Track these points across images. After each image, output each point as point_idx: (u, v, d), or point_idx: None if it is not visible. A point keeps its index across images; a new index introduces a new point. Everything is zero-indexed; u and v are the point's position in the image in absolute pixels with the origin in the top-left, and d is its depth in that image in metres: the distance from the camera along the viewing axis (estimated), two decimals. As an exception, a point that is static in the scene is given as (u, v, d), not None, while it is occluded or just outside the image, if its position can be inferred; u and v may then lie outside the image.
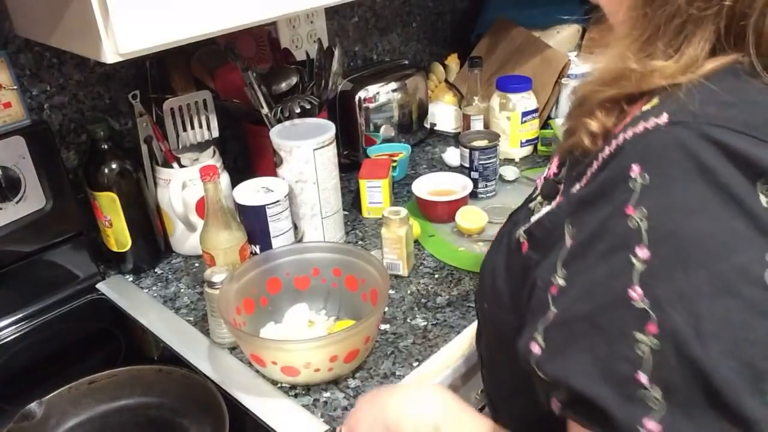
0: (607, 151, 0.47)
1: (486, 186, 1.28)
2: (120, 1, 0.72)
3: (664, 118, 0.43)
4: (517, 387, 0.63)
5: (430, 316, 0.97)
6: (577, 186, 0.51)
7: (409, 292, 1.03)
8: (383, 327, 0.95)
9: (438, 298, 1.00)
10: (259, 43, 1.26)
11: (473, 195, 1.25)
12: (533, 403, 0.52)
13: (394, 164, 1.34)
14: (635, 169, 0.43)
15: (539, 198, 0.61)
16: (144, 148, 1.07)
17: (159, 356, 0.96)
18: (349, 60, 1.54)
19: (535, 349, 0.48)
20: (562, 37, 1.54)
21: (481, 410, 0.75)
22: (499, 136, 1.31)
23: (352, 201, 1.30)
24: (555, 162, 0.64)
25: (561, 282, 0.47)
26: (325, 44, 1.32)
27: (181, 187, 1.07)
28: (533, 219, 0.57)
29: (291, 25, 1.36)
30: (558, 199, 0.55)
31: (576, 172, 0.52)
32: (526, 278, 0.55)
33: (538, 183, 0.67)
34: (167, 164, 1.09)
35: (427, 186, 1.24)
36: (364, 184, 1.22)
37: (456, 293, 1.01)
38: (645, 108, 0.46)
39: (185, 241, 1.14)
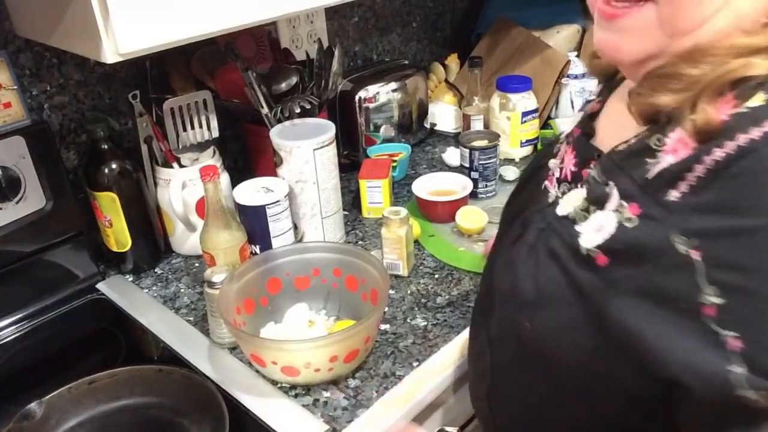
0: (718, 153, 0.44)
1: (486, 186, 1.28)
2: (120, 1, 0.72)
3: None
4: (539, 408, 0.62)
5: (430, 316, 0.97)
6: (676, 193, 0.47)
7: (409, 292, 1.03)
8: (383, 327, 0.95)
9: (438, 298, 1.00)
10: (259, 43, 1.26)
11: (473, 195, 1.25)
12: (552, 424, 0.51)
13: (394, 164, 1.34)
14: None
15: (581, 202, 0.56)
16: (144, 148, 1.07)
17: (159, 356, 0.96)
18: (349, 60, 1.54)
19: (738, 370, 0.43)
20: (562, 37, 1.54)
21: (469, 422, 0.74)
22: (499, 136, 1.31)
23: (352, 201, 1.30)
24: (570, 155, 0.62)
25: (716, 300, 0.44)
26: (325, 44, 1.32)
27: (181, 187, 1.07)
28: (608, 232, 0.51)
29: (291, 25, 1.36)
30: (632, 208, 0.50)
31: (651, 173, 0.49)
32: (608, 292, 0.50)
33: (548, 181, 0.65)
34: (167, 164, 1.09)
35: (427, 186, 1.24)
36: (364, 184, 1.22)
37: (456, 293, 1.01)
38: (756, 103, 0.44)
39: (185, 241, 1.14)
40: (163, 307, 1.04)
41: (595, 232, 0.53)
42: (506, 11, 1.60)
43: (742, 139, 0.43)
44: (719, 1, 0.47)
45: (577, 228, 0.55)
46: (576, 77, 1.45)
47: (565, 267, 0.54)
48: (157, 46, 0.78)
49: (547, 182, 0.66)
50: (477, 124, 1.45)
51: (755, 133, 0.43)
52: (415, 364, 0.88)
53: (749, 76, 0.46)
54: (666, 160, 0.48)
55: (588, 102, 0.71)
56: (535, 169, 0.73)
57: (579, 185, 0.59)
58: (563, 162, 0.64)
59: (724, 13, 0.47)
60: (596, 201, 0.54)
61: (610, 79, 0.69)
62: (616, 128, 0.58)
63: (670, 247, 0.46)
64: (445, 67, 1.67)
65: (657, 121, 0.51)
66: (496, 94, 1.42)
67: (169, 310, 1.03)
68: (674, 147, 0.48)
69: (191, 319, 1.00)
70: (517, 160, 1.43)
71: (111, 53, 0.75)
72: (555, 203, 0.60)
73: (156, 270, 1.13)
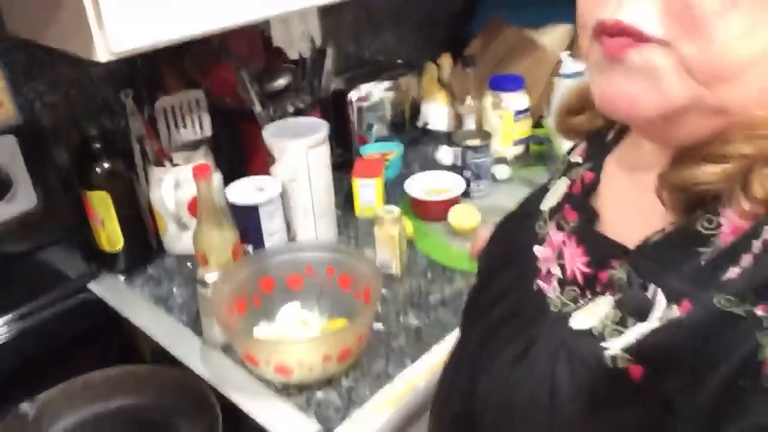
0: None
1: (479, 185, 1.28)
2: (115, 2, 0.72)
3: None
4: None
5: (423, 315, 0.97)
6: (736, 269, 0.38)
7: (402, 291, 1.03)
8: (376, 326, 0.95)
9: (431, 297, 1.01)
10: (251, 42, 1.26)
11: (466, 194, 1.26)
12: None
13: (387, 163, 1.34)
14: None
15: (611, 312, 0.43)
16: (136, 147, 1.06)
17: (152, 356, 0.96)
18: (343, 59, 1.54)
19: None
20: (554, 36, 1.54)
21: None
22: (491, 135, 1.31)
23: (344, 200, 1.30)
24: (576, 250, 0.49)
25: None
26: (318, 43, 1.32)
27: (174, 186, 1.07)
28: (635, 337, 0.41)
29: (284, 24, 1.36)
30: (683, 306, 0.39)
31: (706, 259, 0.40)
32: (648, 409, 0.40)
33: (543, 281, 0.51)
34: (159, 163, 1.09)
35: (420, 185, 1.25)
36: (357, 183, 1.22)
37: (449, 292, 1.01)
38: None
39: (178, 240, 1.13)
40: (155, 306, 1.03)
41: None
42: (499, 11, 1.61)
43: None
44: (756, 39, 0.36)
45: (605, 344, 0.42)
46: (568, 76, 1.45)
47: (594, 398, 0.42)
48: (150, 45, 0.78)
49: (541, 282, 0.51)
50: (470, 123, 1.46)
51: None
52: (408, 362, 0.88)
53: None
54: (727, 241, 0.39)
55: (572, 165, 0.57)
56: (517, 234, 0.58)
57: (599, 292, 0.46)
58: (563, 257, 0.50)
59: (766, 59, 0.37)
60: (635, 311, 0.42)
61: (598, 137, 0.56)
62: (633, 211, 0.47)
63: (728, 316, 0.37)
64: (438, 66, 1.67)
65: (692, 204, 0.41)
66: (488, 93, 1.43)
67: (161, 310, 1.03)
68: (734, 227, 0.39)
69: (184, 319, 1.00)
70: (509, 159, 1.44)
71: (103, 52, 0.74)
72: (564, 315, 0.47)
73: (148, 270, 1.12)
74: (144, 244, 1.12)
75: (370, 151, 1.39)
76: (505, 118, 1.41)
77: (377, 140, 1.42)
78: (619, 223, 0.48)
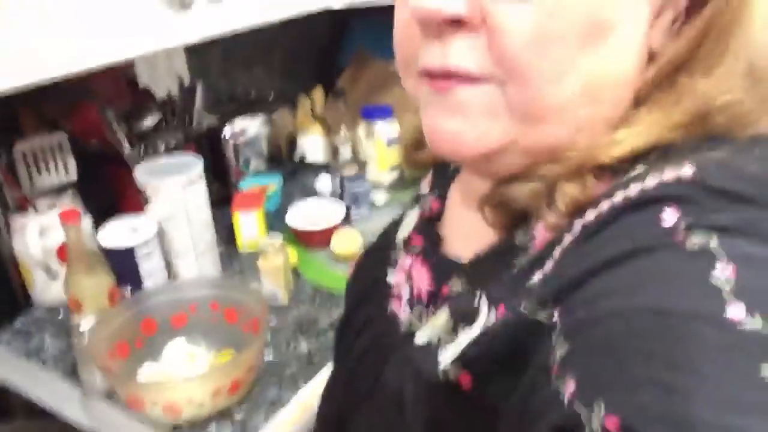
0: (586, 219, 0.37)
1: (358, 211, 1.32)
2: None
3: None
4: None
5: (314, 340, 0.98)
6: (539, 274, 0.38)
7: (290, 319, 1.03)
8: (267, 357, 0.94)
9: (320, 323, 1.02)
10: (116, 82, 1.23)
11: (347, 221, 1.29)
12: None
13: (267, 196, 1.35)
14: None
15: (445, 323, 0.43)
16: (-6, 195, 1.00)
17: (30, 412, 0.89)
18: (214, 95, 1.53)
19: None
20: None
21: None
22: (366, 162, 1.36)
23: (227, 236, 1.28)
24: (422, 270, 0.50)
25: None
26: (186, 81, 1.31)
27: (39, 234, 1.01)
28: (461, 346, 0.41)
29: (149, 63, 1.34)
30: (499, 310, 0.39)
31: (518, 267, 0.41)
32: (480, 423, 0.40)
33: (394, 305, 0.52)
34: (22, 210, 1.03)
35: (302, 215, 1.26)
36: (238, 216, 1.22)
37: (336, 316, 1.03)
38: (635, 173, 0.37)
39: (47, 290, 1.07)
40: (27, 361, 0.96)
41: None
42: (366, 45, 1.68)
43: (612, 201, 0.36)
44: (577, 80, 0.38)
45: (440, 357, 0.42)
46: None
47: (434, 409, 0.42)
48: (7, 89, 0.75)
49: (393, 306, 0.53)
50: (345, 153, 1.50)
51: (626, 193, 0.36)
52: (301, 385, 0.88)
53: (620, 155, 0.38)
54: (535, 252, 0.40)
55: (421, 196, 0.58)
56: (375, 263, 0.58)
57: (440, 305, 0.46)
58: (411, 278, 0.51)
59: (585, 100, 0.39)
60: (464, 317, 0.42)
61: (443, 167, 0.58)
62: (470, 233, 0.48)
63: (534, 324, 0.36)
64: (310, 99, 1.71)
65: (516, 224, 0.43)
66: (361, 122, 1.48)
67: (34, 364, 0.96)
68: (543, 239, 0.40)
69: (61, 370, 0.94)
70: (386, 184, 1.49)
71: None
72: (411, 333, 0.47)
73: (15, 324, 1.05)
74: (8, 297, 1.04)
75: (249, 185, 1.39)
76: (378, 146, 1.46)
77: (255, 175, 1.42)
78: (458, 244, 0.50)
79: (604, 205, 0.36)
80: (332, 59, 1.78)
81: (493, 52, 0.37)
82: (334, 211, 1.27)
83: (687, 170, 0.34)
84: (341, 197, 1.31)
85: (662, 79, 0.39)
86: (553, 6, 0.36)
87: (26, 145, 1.00)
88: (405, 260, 0.53)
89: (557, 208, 0.39)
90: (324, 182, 1.44)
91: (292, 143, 1.53)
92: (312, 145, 1.60)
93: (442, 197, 0.55)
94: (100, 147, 1.14)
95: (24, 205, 1.03)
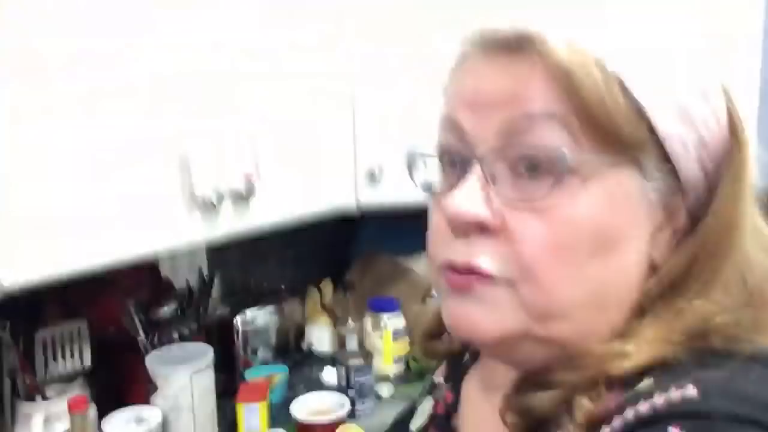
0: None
1: (363, 404, 1.31)
2: (10, 236, 0.76)
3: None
4: None
5: None
6: None
7: None
8: None
9: None
10: (139, 272, 1.30)
11: (351, 414, 1.28)
12: None
13: (272, 386, 1.35)
14: None
15: None
16: (7, 381, 1.01)
17: None
18: (228, 286, 1.59)
19: None
20: (425, 263, 1.72)
21: None
22: (372, 354, 1.38)
23: (228, 428, 1.26)
24: None
25: None
26: (205, 273, 1.38)
27: (43, 423, 1.01)
28: None
29: (172, 255, 1.42)
30: None
31: None
32: None
33: None
34: (29, 398, 1.04)
35: (306, 407, 1.25)
36: (242, 408, 1.21)
37: None
38: (643, 388, 0.40)
39: (41, 483, 1.04)
40: None
41: None
42: (374, 240, 1.78)
43: (625, 417, 0.39)
44: (586, 286, 0.42)
45: None
46: (439, 298, 1.59)
47: None
48: (39, 281, 0.81)
49: None
50: (352, 344, 1.52)
51: (636, 409, 0.39)
52: None
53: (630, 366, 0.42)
54: None
55: (436, 386, 0.61)
56: None
57: None
58: None
59: (592, 304, 0.43)
60: None
61: (457, 358, 0.60)
62: (488, 429, 0.49)
63: None
64: (319, 291, 1.77)
65: (536, 429, 0.44)
66: (368, 315, 1.52)
67: None
68: None
69: None
70: (391, 376, 1.49)
71: (-8, 288, 0.76)
72: None
73: None
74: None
75: (254, 375, 1.39)
76: (385, 338, 1.49)
77: (262, 364, 1.43)
78: None
79: (617, 422, 0.39)
80: (342, 253, 1.87)
81: (510, 255, 0.42)
82: (339, 403, 1.26)
83: (691, 391, 0.37)
84: (347, 389, 1.31)
85: (663, 290, 0.44)
86: (566, 220, 0.42)
87: (47, 332, 1.04)
88: None
89: (575, 420, 0.41)
90: (330, 374, 1.45)
91: (300, 333, 1.56)
92: (319, 336, 1.63)
93: (456, 390, 0.57)
94: (116, 334, 1.18)
95: (33, 392, 1.04)
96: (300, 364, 1.56)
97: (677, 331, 0.41)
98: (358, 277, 1.72)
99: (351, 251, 1.84)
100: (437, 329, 0.59)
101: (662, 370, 0.40)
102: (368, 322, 1.52)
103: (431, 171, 0.51)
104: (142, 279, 1.30)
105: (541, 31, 0.42)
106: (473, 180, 0.43)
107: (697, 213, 0.45)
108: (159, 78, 0.94)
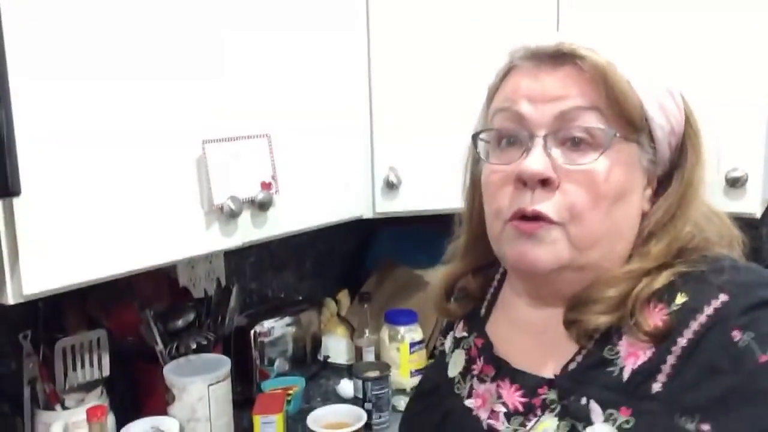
0: (681, 343, 0.57)
1: (380, 417, 1.30)
2: (31, 244, 0.77)
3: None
4: None
5: None
6: (657, 385, 0.57)
7: None
8: None
9: None
10: (157, 282, 1.31)
11: (368, 427, 1.27)
12: None
13: (289, 398, 1.34)
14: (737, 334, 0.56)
15: (560, 426, 0.61)
16: (27, 390, 1.02)
17: None
18: (246, 296, 1.60)
19: None
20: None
21: None
22: (389, 366, 1.37)
23: (245, 439, 1.26)
24: (510, 389, 0.66)
25: None
26: (223, 283, 1.38)
27: None
28: None
29: (190, 265, 1.43)
30: (623, 411, 0.58)
31: (624, 377, 0.59)
32: None
33: (493, 420, 0.67)
34: (49, 406, 1.04)
35: (322, 419, 1.25)
36: (258, 420, 1.20)
37: None
38: (681, 301, 0.59)
39: (59, 492, 1.04)
40: None
41: None
42: (391, 252, 1.78)
43: (692, 329, 0.57)
44: (609, 223, 0.62)
45: None
46: (456, 310, 1.59)
47: None
48: (61, 288, 0.81)
49: (491, 421, 0.68)
50: (369, 356, 1.52)
51: (698, 321, 0.57)
52: None
53: (658, 288, 0.60)
54: (629, 363, 0.59)
55: (461, 339, 0.77)
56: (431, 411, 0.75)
57: (539, 413, 0.64)
58: (501, 397, 0.67)
59: (612, 234, 0.63)
60: (583, 418, 0.60)
61: (473, 315, 0.77)
62: (536, 352, 0.67)
63: (680, 429, 0.55)
64: (336, 302, 1.77)
65: (593, 338, 0.62)
66: (385, 326, 1.52)
67: None
68: (630, 352, 0.60)
69: None
70: (408, 389, 1.48)
71: (14, 295, 0.77)
72: None
73: None
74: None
75: (271, 386, 1.39)
76: (402, 350, 1.48)
77: (279, 375, 1.43)
78: (529, 362, 0.67)
79: (687, 333, 0.57)
80: (359, 264, 1.87)
81: (565, 203, 0.61)
82: (356, 415, 1.25)
83: (724, 297, 0.58)
84: (363, 400, 1.30)
85: (655, 227, 0.64)
86: (603, 179, 0.61)
87: (67, 341, 1.05)
88: (480, 386, 0.70)
89: (643, 327, 0.59)
90: (346, 386, 1.44)
91: (317, 344, 1.56)
92: (336, 347, 1.62)
93: (483, 335, 0.74)
94: (135, 344, 1.18)
95: (53, 401, 1.04)
96: (316, 375, 1.56)
97: (672, 249, 0.62)
98: (375, 288, 1.71)
99: (368, 262, 1.84)
100: (448, 291, 0.79)
101: (681, 284, 0.60)
102: (385, 333, 1.51)
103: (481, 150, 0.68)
104: (161, 289, 1.31)
105: (579, 46, 0.61)
106: (539, 150, 0.61)
107: (661, 179, 0.65)
108: (179, 90, 0.95)
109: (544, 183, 0.61)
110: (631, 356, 0.60)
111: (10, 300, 0.77)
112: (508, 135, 0.64)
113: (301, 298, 1.63)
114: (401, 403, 1.39)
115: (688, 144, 0.65)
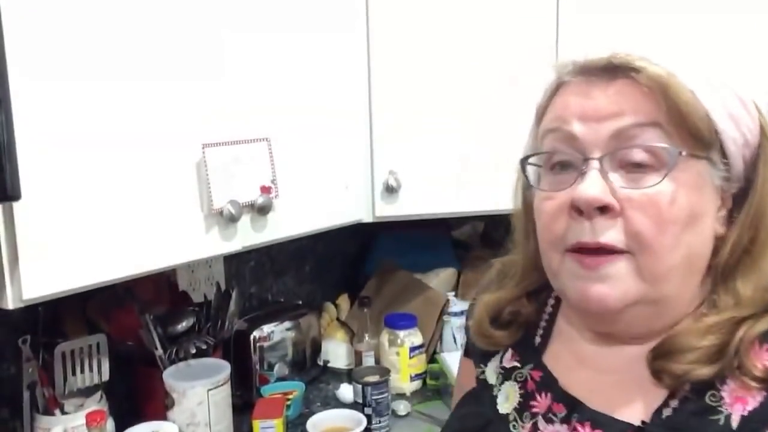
0: None
1: (380, 422, 1.30)
2: (31, 248, 0.77)
3: None
4: None
5: None
6: None
7: None
8: None
9: None
10: (157, 286, 1.31)
11: (367, 431, 1.26)
12: None
13: (288, 403, 1.34)
14: None
15: None
16: (26, 394, 1.02)
17: None
18: (246, 301, 1.60)
19: None
20: (440, 278, 1.71)
21: None
22: (389, 370, 1.37)
23: (244, 444, 1.26)
24: None
25: None
26: (223, 287, 1.38)
27: (62, 437, 1.01)
28: None
29: (190, 269, 1.43)
30: None
31: (734, 425, 0.53)
32: None
33: None
34: (49, 412, 1.04)
35: (322, 424, 1.24)
36: (258, 425, 1.20)
37: None
38: None
39: (58, 498, 1.04)
40: None
41: None
42: (390, 256, 1.78)
43: None
44: (682, 251, 0.56)
45: None
46: (456, 314, 1.58)
47: None
48: (61, 292, 0.81)
49: None
50: (368, 360, 1.51)
51: None
52: None
53: (764, 330, 0.55)
54: (737, 410, 0.54)
55: (513, 370, 0.68)
56: None
57: None
58: None
59: (685, 264, 0.56)
60: None
61: (524, 343, 0.69)
62: (618, 393, 0.59)
63: None
64: (336, 306, 1.76)
65: (683, 384, 0.56)
66: (385, 330, 1.51)
67: None
68: (736, 397, 0.54)
69: None
70: (408, 394, 1.48)
71: (13, 300, 0.77)
72: None
73: None
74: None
75: (271, 390, 1.39)
76: (401, 354, 1.48)
77: (278, 379, 1.43)
78: (606, 403, 0.59)
79: None
80: (359, 268, 1.87)
81: (628, 231, 0.55)
82: (355, 420, 1.25)
83: None
84: (363, 405, 1.30)
85: (734, 257, 0.58)
86: (669, 201, 0.54)
87: (66, 346, 1.04)
88: (548, 427, 0.61)
89: (753, 373, 0.53)
90: (346, 390, 1.44)
91: (317, 349, 1.56)
92: (336, 351, 1.62)
93: (541, 367, 0.66)
94: (134, 348, 1.18)
95: (53, 405, 1.04)
96: (316, 380, 1.55)
97: (761, 288, 0.56)
98: (375, 292, 1.71)
99: (368, 266, 1.84)
100: (494, 318, 0.69)
101: None
102: (385, 338, 1.51)
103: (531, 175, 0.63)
104: (161, 293, 1.31)
105: (633, 57, 0.55)
106: (595, 174, 0.56)
107: (737, 197, 0.59)
108: (179, 93, 0.95)
109: (604, 210, 0.55)
110: (738, 402, 0.54)
111: (10, 304, 0.77)
112: (560, 158, 0.59)
113: (300, 302, 1.62)
114: (401, 407, 1.39)
115: (762, 156, 0.59)
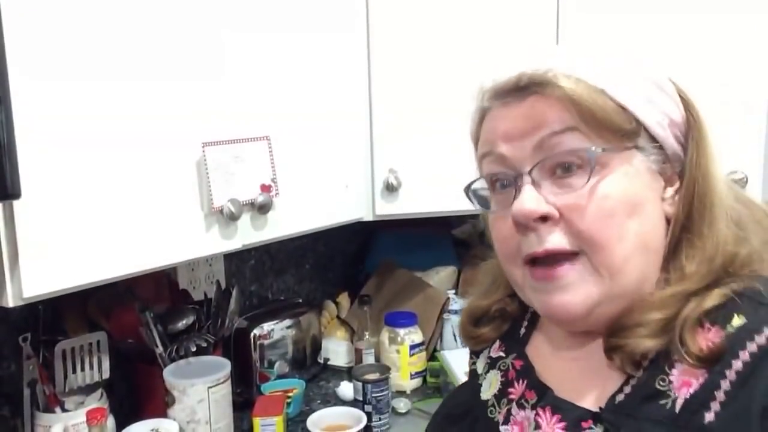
0: (736, 366, 0.52)
1: (380, 419, 1.30)
2: (31, 246, 0.77)
3: None
4: None
5: None
6: (710, 414, 0.52)
7: None
8: None
9: None
10: (157, 284, 1.31)
11: (368, 429, 1.27)
12: None
13: (289, 400, 1.34)
14: None
15: None
16: (27, 392, 1.02)
17: None
18: (246, 299, 1.60)
19: None
20: (440, 277, 1.71)
21: None
22: (389, 368, 1.37)
23: (245, 441, 1.26)
24: (551, 419, 0.60)
25: None
26: (223, 285, 1.39)
27: (62, 434, 1.02)
28: None
29: (190, 267, 1.43)
30: None
31: (677, 408, 0.54)
32: None
33: None
34: (49, 410, 1.04)
35: (322, 421, 1.25)
36: (258, 422, 1.20)
37: None
38: (738, 323, 0.54)
39: (58, 495, 1.04)
40: None
41: None
42: (390, 254, 1.78)
43: (749, 351, 0.52)
44: (632, 240, 0.57)
45: None
46: (456, 312, 1.59)
47: None
48: (62, 290, 0.82)
49: None
50: (369, 358, 1.52)
51: (756, 342, 0.52)
52: None
53: (709, 307, 0.55)
54: (682, 393, 0.54)
55: (498, 359, 0.71)
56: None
57: None
58: (540, 427, 0.62)
59: (639, 252, 0.58)
60: None
61: (510, 335, 0.72)
62: (581, 380, 0.62)
63: None
64: (336, 304, 1.77)
65: (640, 365, 0.57)
66: (385, 328, 1.52)
67: None
68: (683, 381, 0.55)
69: None
70: (408, 392, 1.48)
71: (14, 298, 0.77)
72: None
73: None
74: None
75: (271, 388, 1.39)
76: (402, 352, 1.48)
77: (279, 377, 1.43)
78: (571, 391, 0.62)
79: (743, 355, 0.52)
80: (359, 266, 1.87)
81: (572, 232, 0.57)
82: (356, 418, 1.25)
83: None
84: (363, 403, 1.30)
85: (681, 233, 0.59)
86: (603, 196, 0.57)
87: (67, 344, 1.05)
88: (520, 413, 0.64)
89: (693, 352, 0.54)
90: (346, 388, 1.44)
91: (317, 347, 1.56)
92: (336, 349, 1.62)
93: (523, 357, 0.69)
94: (135, 346, 1.19)
95: (53, 403, 1.04)
96: (316, 377, 1.56)
97: (715, 264, 0.57)
98: (375, 290, 1.71)
99: (368, 265, 1.84)
100: (479, 317, 0.74)
101: (731, 308, 0.55)
102: (385, 336, 1.51)
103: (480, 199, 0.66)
104: (161, 291, 1.31)
105: (536, 74, 0.58)
106: (528, 188, 0.58)
107: (683, 174, 0.61)
108: (179, 92, 0.95)
109: (545, 219, 0.58)
110: (684, 386, 0.55)
111: (10, 302, 0.77)
112: (497, 178, 0.62)
113: (301, 300, 1.63)
114: (401, 405, 1.39)
115: (690, 131, 0.61)
